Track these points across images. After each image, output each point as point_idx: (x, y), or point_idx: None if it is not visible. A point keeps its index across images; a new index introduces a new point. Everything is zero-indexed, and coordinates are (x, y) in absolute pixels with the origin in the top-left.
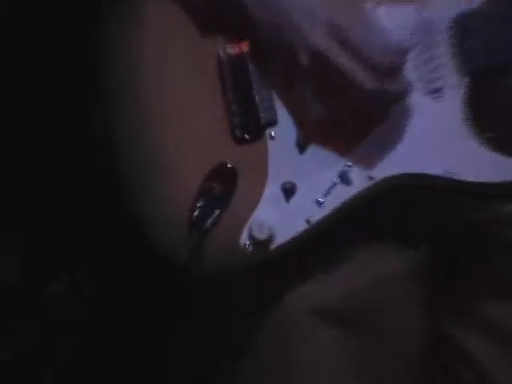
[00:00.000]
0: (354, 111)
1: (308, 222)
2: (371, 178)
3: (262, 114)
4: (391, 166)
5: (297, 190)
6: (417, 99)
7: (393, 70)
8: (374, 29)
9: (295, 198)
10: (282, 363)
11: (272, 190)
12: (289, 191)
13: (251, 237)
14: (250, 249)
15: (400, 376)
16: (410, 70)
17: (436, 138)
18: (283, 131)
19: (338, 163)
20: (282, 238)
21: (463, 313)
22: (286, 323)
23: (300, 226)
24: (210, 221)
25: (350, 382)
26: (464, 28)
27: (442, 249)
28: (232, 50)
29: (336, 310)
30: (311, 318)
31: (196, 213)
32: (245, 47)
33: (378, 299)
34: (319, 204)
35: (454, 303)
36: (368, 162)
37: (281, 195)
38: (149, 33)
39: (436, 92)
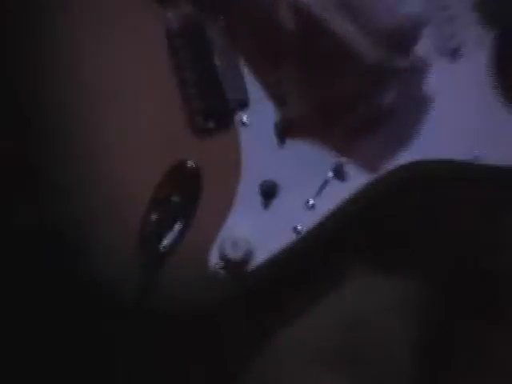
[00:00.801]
0: (346, 100)
1: (296, 231)
2: (374, 171)
3: (228, 95)
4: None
5: (279, 191)
6: (434, 77)
7: (402, 40)
8: None
9: (278, 202)
10: None
11: (247, 192)
12: (269, 193)
13: (223, 256)
14: (223, 272)
15: None
16: (426, 45)
17: (458, 114)
18: (258, 116)
19: (330, 156)
20: (262, 255)
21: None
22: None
23: (286, 238)
24: (168, 239)
25: None
26: None
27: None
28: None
29: (334, 346)
30: (307, 364)
31: (149, 229)
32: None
33: (374, 333)
34: (309, 207)
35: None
36: (370, 153)
37: (259, 199)
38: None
39: (454, 53)
